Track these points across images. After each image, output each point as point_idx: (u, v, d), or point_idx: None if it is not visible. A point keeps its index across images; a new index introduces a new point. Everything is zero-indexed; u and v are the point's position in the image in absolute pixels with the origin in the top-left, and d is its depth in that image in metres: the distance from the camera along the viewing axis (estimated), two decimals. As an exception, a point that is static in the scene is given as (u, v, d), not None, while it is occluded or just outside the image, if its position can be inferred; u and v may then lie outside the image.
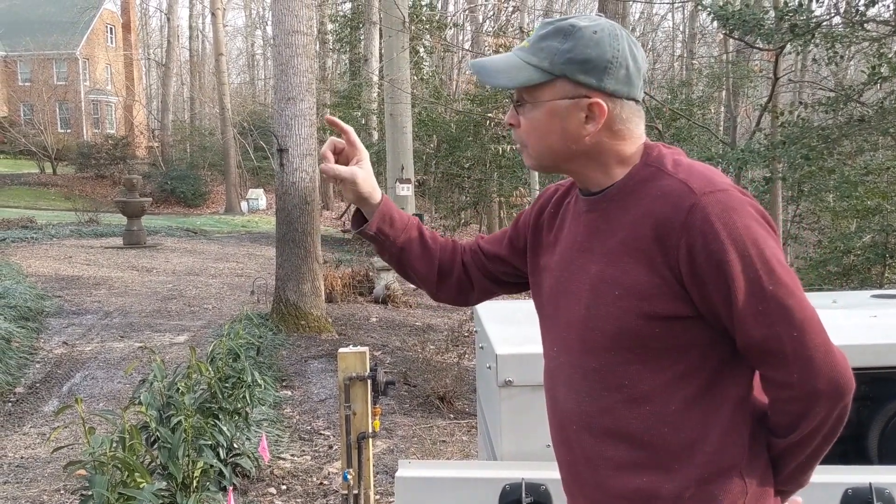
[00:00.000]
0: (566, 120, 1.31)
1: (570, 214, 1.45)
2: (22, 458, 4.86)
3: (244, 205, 27.89)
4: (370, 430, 3.71)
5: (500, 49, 16.06)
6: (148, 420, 3.41)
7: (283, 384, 6.78)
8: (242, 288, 11.45)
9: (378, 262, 11.69)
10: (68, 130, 38.97)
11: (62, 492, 4.27)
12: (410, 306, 11.01)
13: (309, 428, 5.70)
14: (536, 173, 11.74)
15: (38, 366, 6.99)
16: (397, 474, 1.93)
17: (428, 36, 21.41)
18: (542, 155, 1.36)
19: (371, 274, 11.43)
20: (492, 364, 2.10)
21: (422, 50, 21.86)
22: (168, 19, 36.85)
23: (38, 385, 6.42)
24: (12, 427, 5.40)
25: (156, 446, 3.44)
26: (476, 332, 2.81)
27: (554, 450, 1.45)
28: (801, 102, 11.10)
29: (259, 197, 28.64)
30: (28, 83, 39.23)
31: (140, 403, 3.37)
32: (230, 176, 27.58)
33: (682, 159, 1.33)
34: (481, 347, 2.58)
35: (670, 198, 1.25)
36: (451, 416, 6.03)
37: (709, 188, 1.22)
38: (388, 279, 11.17)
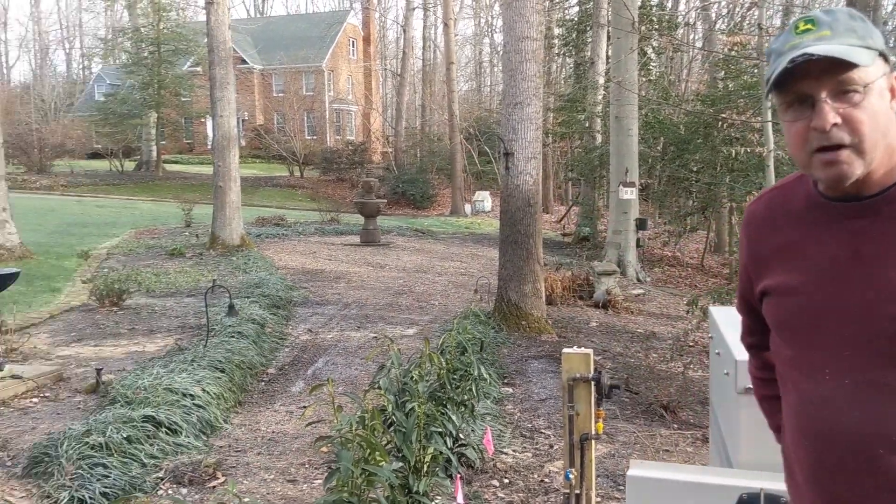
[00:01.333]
0: (886, 100, 1.29)
1: (808, 224, 1.38)
2: (273, 432, 5.39)
3: (468, 207, 28.83)
4: (593, 432, 3.72)
5: (736, 47, 15.27)
6: (385, 404, 3.66)
7: (505, 381, 6.94)
8: (466, 286, 11.85)
9: (598, 266, 11.59)
10: (314, 137, 42.46)
11: (307, 465, 4.70)
12: (632, 312, 10.79)
13: (530, 426, 5.79)
14: (773, 176, 11.00)
15: (286, 350, 7.71)
16: (629, 473, 1.94)
17: (657, 36, 20.83)
18: (875, 148, 1.27)
19: (591, 278, 11.34)
20: (730, 370, 2.04)
21: (650, 51, 21.34)
22: (403, 31, 38.93)
23: (286, 367, 7.09)
24: (265, 404, 6.01)
25: (392, 429, 3.68)
26: (711, 337, 2.73)
27: (819, 483, 1.35)
28: None
29: (485, 199, 29.51)
30: (281, 94, 43.24)
31: (379, 388, 3.63)
32: (456, 179, 28.63)
33: None
34: (717, 353, 2.50)
35: None
36: (675, 425, 5.85)
37: None
38: (609, 284, 11.03)
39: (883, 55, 1.28)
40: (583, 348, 3.79)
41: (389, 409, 3.65)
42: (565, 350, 3.81)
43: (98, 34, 56.73)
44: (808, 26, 1.29)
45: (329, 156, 34.61)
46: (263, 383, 6.58)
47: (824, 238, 1.34)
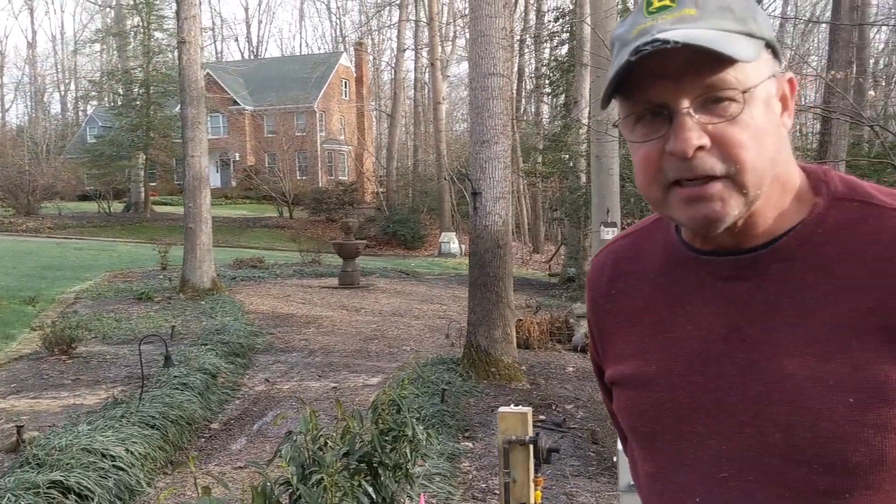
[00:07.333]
0: (775, 111, 0.89)
1: (667, 287, 0.98)
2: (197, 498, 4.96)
3: (454, 247, 28.42)
4: (531, 502, 3.37)
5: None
6: (290, 476, 3.26)
7: (466, 434, 6.51)
8: (442, 330, 11.44)
9: (578, 308, 11.21)
10: (306, 177, 42.32)
11: (228, 535, 4.27)
12: (612, 357, 10.38)
13: (484, 486, 5.37)
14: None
15: (237, 402, 7.29)
16: None
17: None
18: (760, 181, 0.87)
19: (570, 321, 10.96)
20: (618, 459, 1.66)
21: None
22: (395, 72, 39.02)
23: (232, 422, 6.66)
24: (199, 464, 5.59)
25: (297, 504, 3.28)
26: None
27: None
28: None
29: (451, 241, 28.38)
30: (272, 135, 43.21)
31: (281, 457, 3.24)
32: (444, 220, 28.38)
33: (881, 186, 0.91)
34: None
35: None
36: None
37: None
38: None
39: (771, 47, 0.88)
40: (520, 407, 3.49)
41: (294, 481, 3.25)
42: (501, 409, 3.50)
43: (93, 77, 56.95)
44: (665, 2, 0.87)
45: (319, 196, 34.33)
46: (203, 440, 6.15)
47: (691, 308, 0.95)
